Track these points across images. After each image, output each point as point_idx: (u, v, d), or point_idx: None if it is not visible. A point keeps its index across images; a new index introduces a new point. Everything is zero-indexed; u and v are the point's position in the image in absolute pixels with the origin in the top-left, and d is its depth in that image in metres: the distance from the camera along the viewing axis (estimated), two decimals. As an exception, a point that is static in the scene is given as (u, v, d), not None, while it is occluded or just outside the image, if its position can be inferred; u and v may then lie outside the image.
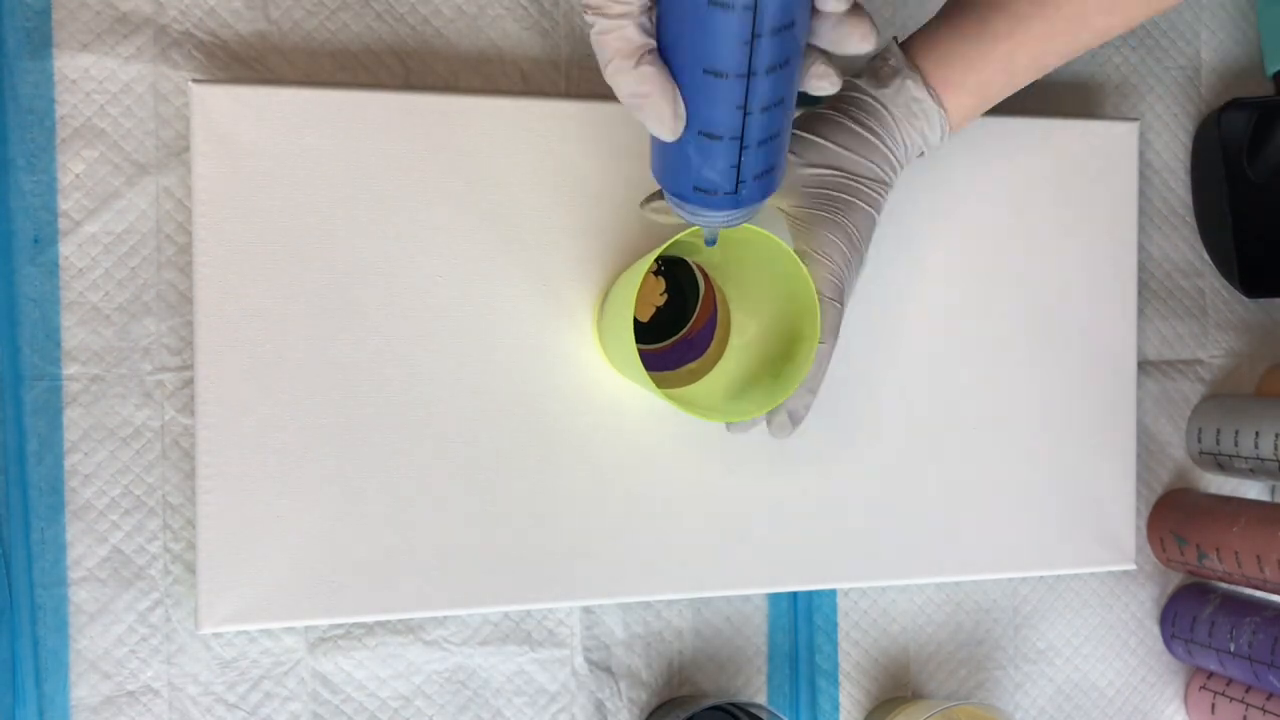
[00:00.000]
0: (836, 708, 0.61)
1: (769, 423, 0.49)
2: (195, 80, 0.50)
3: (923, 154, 0.51)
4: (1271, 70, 0.66)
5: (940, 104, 0.49)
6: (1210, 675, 0.66)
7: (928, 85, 0.48)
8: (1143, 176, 0.66)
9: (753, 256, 0.49)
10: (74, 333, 0.51)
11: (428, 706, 0.55)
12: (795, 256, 0.46)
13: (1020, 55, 0.48)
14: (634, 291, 0.46)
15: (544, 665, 0.57)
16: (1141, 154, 0.66)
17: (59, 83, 0.51)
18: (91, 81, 0.51)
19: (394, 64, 0.55)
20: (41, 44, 0.51)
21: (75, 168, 0.51)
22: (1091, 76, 0.66)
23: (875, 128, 0.48)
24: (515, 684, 0.57)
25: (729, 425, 0.51)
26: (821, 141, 0.48)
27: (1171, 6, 0.49)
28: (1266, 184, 0.66)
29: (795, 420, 0.49)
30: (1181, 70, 0.67)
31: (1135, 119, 0.63)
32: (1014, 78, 0.49)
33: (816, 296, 0.46)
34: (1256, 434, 0.62)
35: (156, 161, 0.52)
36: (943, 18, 0.50)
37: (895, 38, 0.50)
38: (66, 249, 0.51)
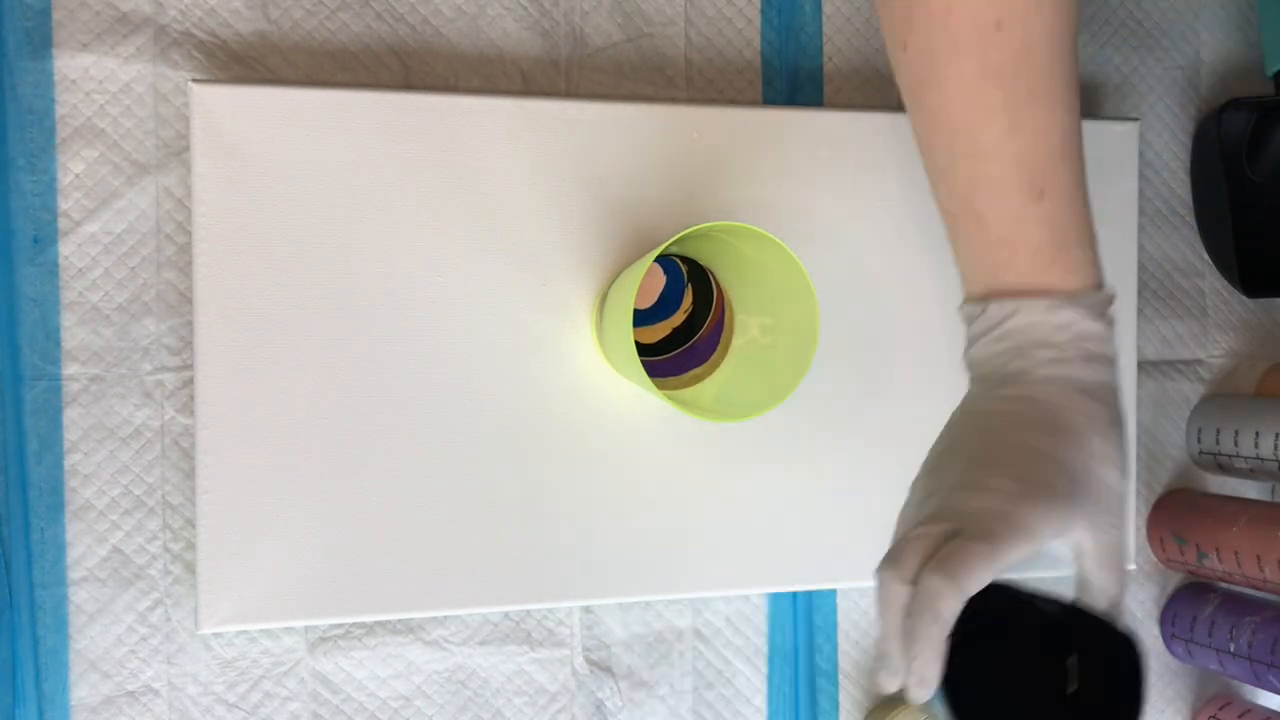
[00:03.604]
0: (836, 708, 0.61)
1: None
2: (195, 80, 0.50)
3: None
4: (1271, 70, 0.66)
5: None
6: (1222, 706, 0.66)
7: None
8: (1143, 176, 0.66)
9: (753, 256, 0.49)
10: (74, 333, 0.51)
11: (428, 706, 0.55)
12: (791, 254, 0.46)
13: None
14: (634, 291, 0.46)
15: (544, 665, 0.57)
16: (1141, 154, 0.66)
17: (59, 83, 0.51)
18: (91, 81, 0.51)
19: (394, 64, 0.55)
20: (41, 44, 0.51)
21: (75, 168, 0.51)
22: (1091, 76, 0.66)
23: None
24: (515, 684, 0.57)
25: None
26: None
27: None
28: (1266, 184, 0.66)
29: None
30: (1181, 70, 0.67)
31: (1135, 119, 0.63)
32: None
33: (814, 293, 0.46)
34: (1256, 434, 0.62)
35: (156, 161, 0.52)
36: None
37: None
38: (66, 249, 0.51)
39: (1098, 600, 0.41)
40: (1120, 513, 0.41)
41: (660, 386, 0.50)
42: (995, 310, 0.43)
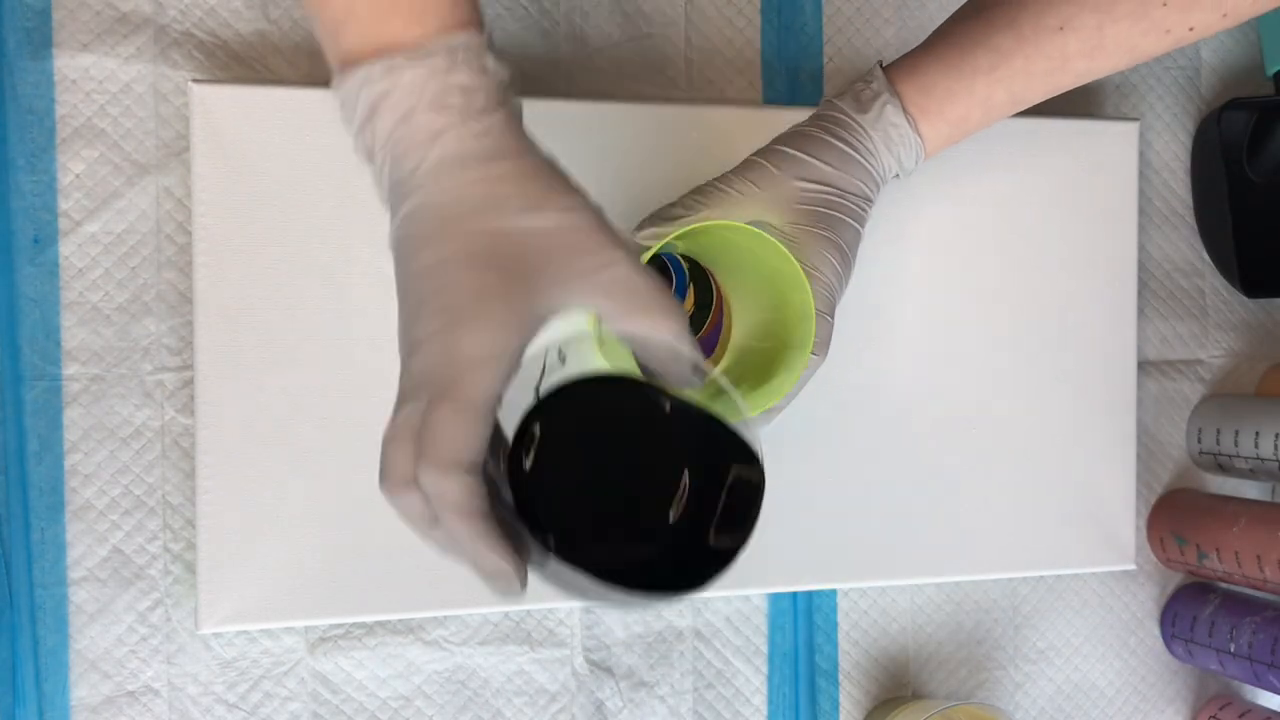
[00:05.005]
0: (836, 708, 0.61)
1: None
2: (195, 80, 0.50)
3: (898, 176, 0.51)
4: (1271, 70, 0.66)
5: (917, 131, 0.49)
6: (1222, 706, 0.66)
7: (906, 113, 0.49)
8: (1143, 176, 0.66)
9: (751, 255, 0.49)
10: (74, 333, 0.51)
11: (428, 706, 0.55)
12: (786, 252, 0.46)
13: (999, 91, 0.49)
14: None
15: (544, 665, 0.57)
16: (1141, 154, 0.66)
17: (59, 83, 0.51)
18: (91, 81, 0.51)
19: (394, 64, 0.55)
20: (41, 44, 0.51)
21: (75, 168, 0.51)
22: (1091, 76, 0.66)
23: (858, 146, 0.49)
24: (515, 684, 0.57)
25: None
26: (808, 158, 0.48)
27: (1153, 56, 0.49)
28: (1266, 184, 0.66)
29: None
30: (1181, 70, 0.67)
31: (1135, 119, 0.63)
32: (990, 113, 0.50)
33: (813, 304, 0.46)
34: (1256, 434, 0.62)
35: (156, 161, 0.52)
36: (928, 46, 0.50)
37: (880, 62, 0.50)
38: (66, 249, 0.51)
39: (653, 350, 0.35)
40: (605, 234, 0.35)
41: None
42: (345, 89, 0.35)
